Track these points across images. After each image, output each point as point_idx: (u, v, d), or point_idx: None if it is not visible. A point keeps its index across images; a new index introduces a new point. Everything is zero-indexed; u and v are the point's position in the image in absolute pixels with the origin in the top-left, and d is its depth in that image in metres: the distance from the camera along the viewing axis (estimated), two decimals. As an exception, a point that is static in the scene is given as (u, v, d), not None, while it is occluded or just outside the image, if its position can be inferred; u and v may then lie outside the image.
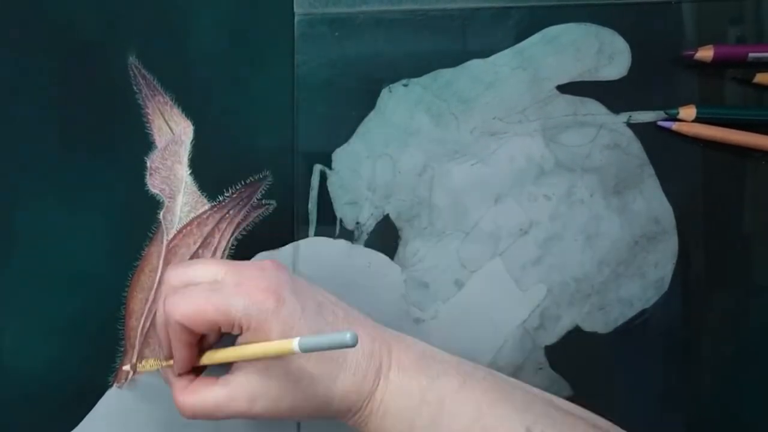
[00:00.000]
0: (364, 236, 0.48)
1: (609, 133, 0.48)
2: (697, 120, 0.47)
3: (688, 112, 0.47)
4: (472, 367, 0.42)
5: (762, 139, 0.47)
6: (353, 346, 0.33)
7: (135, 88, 0.48)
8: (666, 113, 0.48)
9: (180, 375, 0.42)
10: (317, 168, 0.48)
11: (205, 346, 0.42)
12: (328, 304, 0.41)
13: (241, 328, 0.39)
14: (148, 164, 0.48)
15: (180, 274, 0.41)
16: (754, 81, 0.48)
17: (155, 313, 0.47)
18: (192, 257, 0.47)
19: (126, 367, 0.47)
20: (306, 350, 0.35)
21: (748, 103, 0.48)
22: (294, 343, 0.35)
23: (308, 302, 0.40)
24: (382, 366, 0.40)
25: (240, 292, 0.38)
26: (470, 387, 0.40)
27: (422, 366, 0.40)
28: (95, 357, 0.47)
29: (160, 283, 0.47)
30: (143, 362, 0.46)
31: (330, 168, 0.48)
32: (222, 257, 0.48)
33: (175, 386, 0.41)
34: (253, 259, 0.47)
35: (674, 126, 0.48)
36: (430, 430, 0.39)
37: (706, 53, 0.47)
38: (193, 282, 0.40)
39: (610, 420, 0.42)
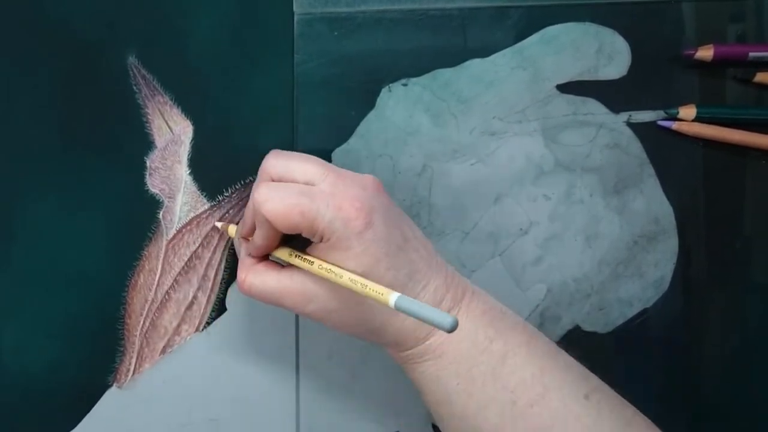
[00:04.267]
0: (364, 236, 0.48)
1: (609, 132, 0.48)
2: (697, 119, 0.47)
3: (688, 111, 0.47)
4: (536, 330, 0.41)
5: (762, 139, 0.47)
6: (449, 331, 0.32)
7: (135, 88, 0.48)
8: (666, 113, 0.48)
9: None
10: (317, 168, 0.48)
11: (287, 238, 0.41)
12: (414, 241, 0.40)
13: (321, 238, 0.38)
14: (148, 164, 0.48)
15: (280, 165, 0.40)
16: (754, 80, 0.47)
17: (156, 311, 0.47)
18: (192, 257, 0.47)
19: (218, 223, 0.47)
20: (400, 310, 0.34)
21: (749, 102, 0.48)
22: (392, 297, 0.34)
23: (395, 234, 0.39)
24: (450, 312, 0.39)
25: (332, 204, 0.38)
26: (534, 347, 0.40)
27: (492, 318, 0.40)
28: (95, 357, 0.47)
29: (160, 283, 0.47)
30: (229, 227, 0.45)
31: (329, 168, 0.48)
32: (222, 257, 0.48)
33: (243, 262, 0.42)
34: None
35: (674, 125, 0.48)
36: (488, 378, 0.39)
37: (706, 52, 0.47)
38: (289, 177, 0.39)
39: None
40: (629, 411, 0.40)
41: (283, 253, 0.41)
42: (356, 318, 0.39)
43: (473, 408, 0.39)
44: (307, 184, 0.39)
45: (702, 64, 0.47)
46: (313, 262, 0.39)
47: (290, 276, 0.40)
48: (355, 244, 0.38)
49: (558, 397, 0.38)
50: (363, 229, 0.38)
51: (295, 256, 0.40)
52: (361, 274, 0.37)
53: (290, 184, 0.39)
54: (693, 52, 0.47)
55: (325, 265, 0.38)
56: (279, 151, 0.41)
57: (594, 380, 0.40)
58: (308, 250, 0.40)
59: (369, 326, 0.40)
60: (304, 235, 0.39)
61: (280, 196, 0.38)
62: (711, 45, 0.47)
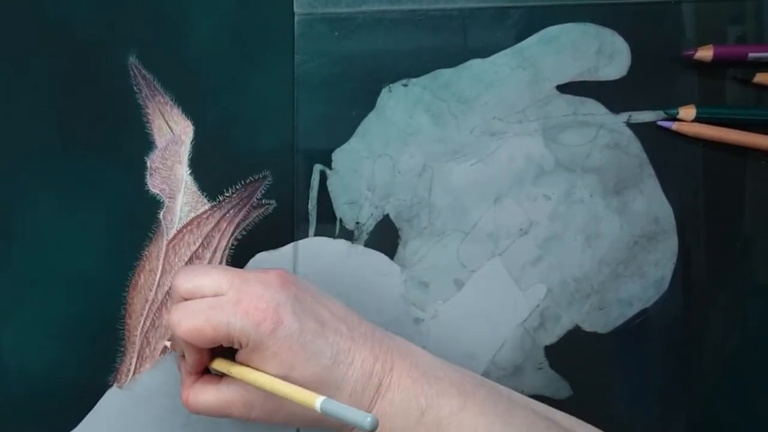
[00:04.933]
0: (364, 236, 0.48)
1: (609, 132, 0.48)
2: (697, 120, 0.47)
3: (688, 111, 0.47)
4: (474, 385, 0.41)
5: (762, 139, 0.47)
6: (370, 431, 0.33)
7: (135, 88, 0.48)
8: (666, 113, 0.48)
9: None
10: (317, 168, 0.48)
11: (218, 350, 0.42)
12: (331, 322, 0.40)
13: (240, 345, 0.39)
14: (149, 164, 0.48)
15: (187, 283, 0.41)
16: (753, 81, 0.47)
17: (156, 312, 0.47)
18: (192, 257, 0.47)
19: (167, 342, 0.46)
20: (325, 413, 0.35)
21: (748, 102, 0.48)
22: (317, 402, 0.35)
23: (309, 322, 0.39)
24: (381, 385, 0.40)
25: (238, 311, 0.39)
26: (469, 408, 0.40)
27: (423, 385, 0.40)
28: (95, 357, 0.47)
29: (160, 283, 0.47)
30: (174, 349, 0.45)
31: (330, 168, 0.48)
32: (222, 257, 0.48)
33: (183, 381, 0.42)
34: (252, 260, 0.48)
35: (674, 126, 0.48)
36: None
37: (705, 53, 0.47)
38: (198, 292, 0.40)
39: (609, 420, 0.42)
40: None
41: (217, 364, 0.41)
42: (297, 414, 0.41)
43: None
44: (216, 294, 0.40)
45: (702, 64, 0.47)
46: (244, 372, 0.40)
47: (227, 387, 0.41)
48: (270, 344, 0.39)
49: None
50: (273, 328, 0.38)
51: (228, 366, 0.41)
52: (285, 371, 0.39)
53: (199, 300, 0.40)
54: (693, 52, 0.47)
55: (255, 374, 0.39)
56: (186, 267, 0.43)
57: (537, 429, 0.40)
58: (236, 356, 0.41)
59: (312, 417, 0.40)
60: (224, 345, 0.40)
61: (189, 316, 0.39)
62: (711, 45, 0.47)
